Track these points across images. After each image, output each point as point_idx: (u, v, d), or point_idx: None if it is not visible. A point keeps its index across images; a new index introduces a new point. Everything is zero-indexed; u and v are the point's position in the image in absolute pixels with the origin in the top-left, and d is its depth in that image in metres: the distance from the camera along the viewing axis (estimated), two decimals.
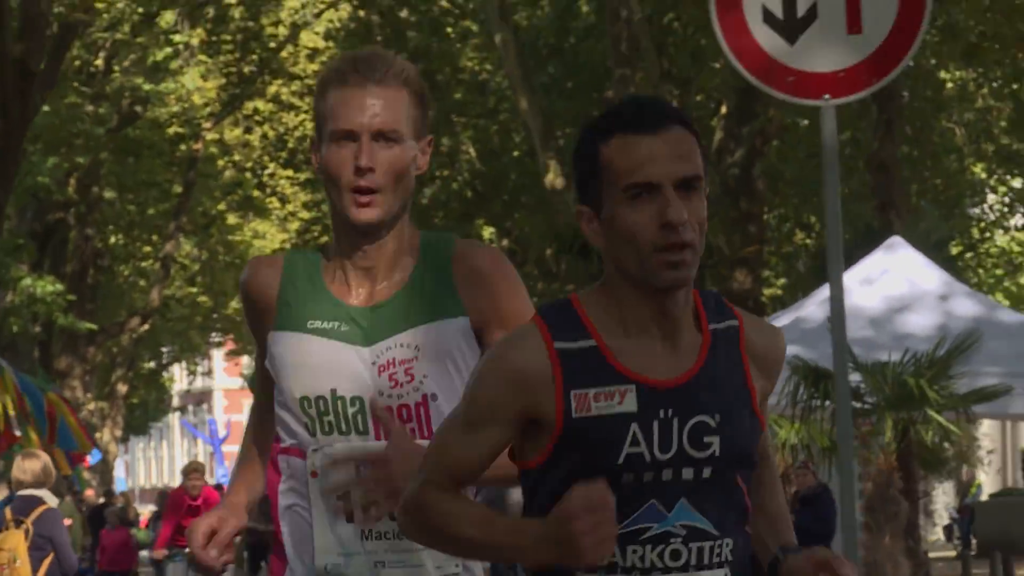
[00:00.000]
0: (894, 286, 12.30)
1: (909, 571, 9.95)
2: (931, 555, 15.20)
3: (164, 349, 29.70)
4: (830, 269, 5.40)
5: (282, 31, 19.58)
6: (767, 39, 5.17)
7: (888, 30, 5.17)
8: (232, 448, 23.70)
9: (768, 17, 5.15)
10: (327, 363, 1.71)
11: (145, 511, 26.48)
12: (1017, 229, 24.32)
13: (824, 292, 10.86)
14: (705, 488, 1.34)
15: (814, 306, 12.26)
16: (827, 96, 5.19)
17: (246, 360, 35.31)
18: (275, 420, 1.80)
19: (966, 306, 12.41)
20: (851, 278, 10.40)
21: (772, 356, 1.43)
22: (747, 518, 1.38)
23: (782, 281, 22.62)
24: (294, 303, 1.74)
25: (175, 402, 42.98)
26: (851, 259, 11.19)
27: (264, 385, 1.84)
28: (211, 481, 17.82)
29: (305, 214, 20.17)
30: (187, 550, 8.85)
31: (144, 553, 16.98)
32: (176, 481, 25.30)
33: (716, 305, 1.41)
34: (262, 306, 1.76)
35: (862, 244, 14.05)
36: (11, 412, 11.80)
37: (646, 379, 1.33)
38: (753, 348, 1.39)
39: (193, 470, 13.42)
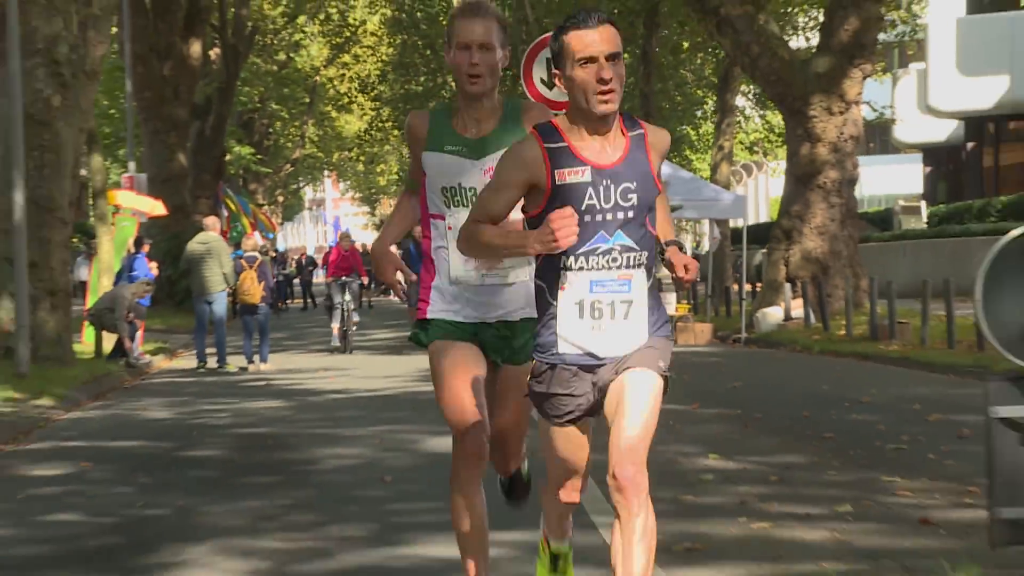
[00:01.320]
0: None
1: None
2: None
3: (300, 179, 53.33)
4: None
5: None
6: None
7: None
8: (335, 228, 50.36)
9: None
10: (456, 169, 3.06)
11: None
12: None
13: None
14: (630, 223, 2.54)
15: None
16: None
17: (341, 185, 62.10)
18: (423, 201, 3.18)
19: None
20: None
21: (662, 146, 2.69)
22: (653, 240, 2.62)
23: None
24: (436, 136, 3.11)
25: (306, 206, 70.61)
26: None
27: (413, 181, 3.31)
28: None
29: (368, 114, 38.62)
30: (344, 277, 16.12)
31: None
32: (309, 246, 53.16)
33: (630, 120, 2.64)
34: (418, 137, 3.16)
35: None
36: (234, 209, 25.48)
37: (595, 163, 2.51)
38: (652, 143, 2.62)
39: (344, 236, 19.49)
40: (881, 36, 20.58)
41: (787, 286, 16.79)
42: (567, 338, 2.75)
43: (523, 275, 3.15)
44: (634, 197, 2.68)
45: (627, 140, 2.71)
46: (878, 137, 42.75)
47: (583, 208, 2.65)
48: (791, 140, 17.45)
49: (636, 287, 2.71)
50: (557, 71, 2.67)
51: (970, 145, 28.79)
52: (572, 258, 2.69)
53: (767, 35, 17.15)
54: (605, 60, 2.58)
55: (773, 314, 16.75)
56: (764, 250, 21.54)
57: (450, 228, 3.14)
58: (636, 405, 2.70)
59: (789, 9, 25.61)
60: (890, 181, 39.24)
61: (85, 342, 14.60)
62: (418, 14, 31.75)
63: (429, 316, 3.25)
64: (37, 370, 10.96)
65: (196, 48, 24.25)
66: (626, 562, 2.68)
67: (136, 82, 21.72)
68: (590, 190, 2.63)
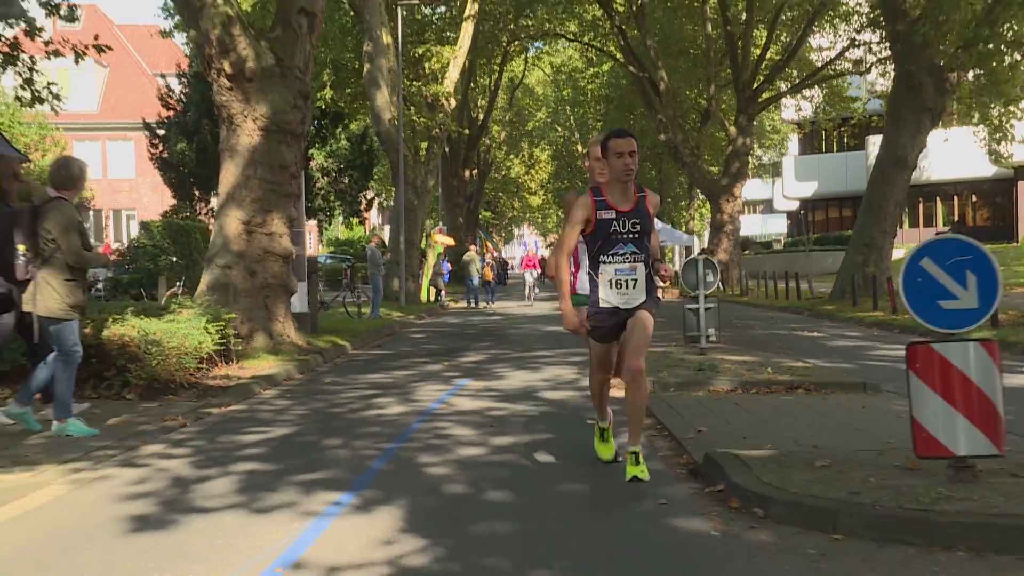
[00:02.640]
0: None
1: None
2: None
3: (512, 225, 76.87)
4: None
5: None
6: None
7: None
8: (525, 246, 74.05)
9: None
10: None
11: None
12: None
13: None
14: (636, 240, 5.73)
15: None
16: None
17: (530, 227, 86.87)
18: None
19: None
20: None
21: (654, 203, 5.81)
22: (649, 250, 5.81)
23: None
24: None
25: (515, 236, 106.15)
26: None
27: (574, 235, 5.82)
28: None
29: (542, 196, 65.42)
30: (529, 270, 36.30)
31: None
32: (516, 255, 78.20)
33: (639, 188, 5.78)
34: (587, 207, 5.69)
35: None
36: (483, 240, 53.97)
37: (618, 208, 5.72)
38: (649, 201, 5.82)
39: (530, 250, 44.16)
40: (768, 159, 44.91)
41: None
42: (605, 299, 5.74)
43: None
44: (638, 227, 5.68)
45: (636, 198, 5.72)
46: (767, 205, 68.47)
47: (611, 230, 5.69)
48: (713, 212, 40.50)
49: (639, 273, 5.70)
50: (605, 159, 5.74)
51: (802, 211, 53.34)
52: (606, 256, 5.72)
53: (702, 171, 40.20)
54: (628, 155, 5.62)
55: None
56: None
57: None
58: (640, 329, 5.66)
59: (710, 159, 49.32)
60: (771, 226, 66.74)
61: (423, 296, 36.37)
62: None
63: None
64: (408, 307, 27.51)
65: (467, 172, 46.87)
66: (635, 406, 5.78)
67: (444, 188, 43.82)
68: (615, 223, 5.66)
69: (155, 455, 6.93)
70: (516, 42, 41.83)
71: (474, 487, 5.80)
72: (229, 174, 13.11)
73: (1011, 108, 28.86)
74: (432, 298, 33.56)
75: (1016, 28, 23.54)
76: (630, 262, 5.67)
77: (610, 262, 5.68)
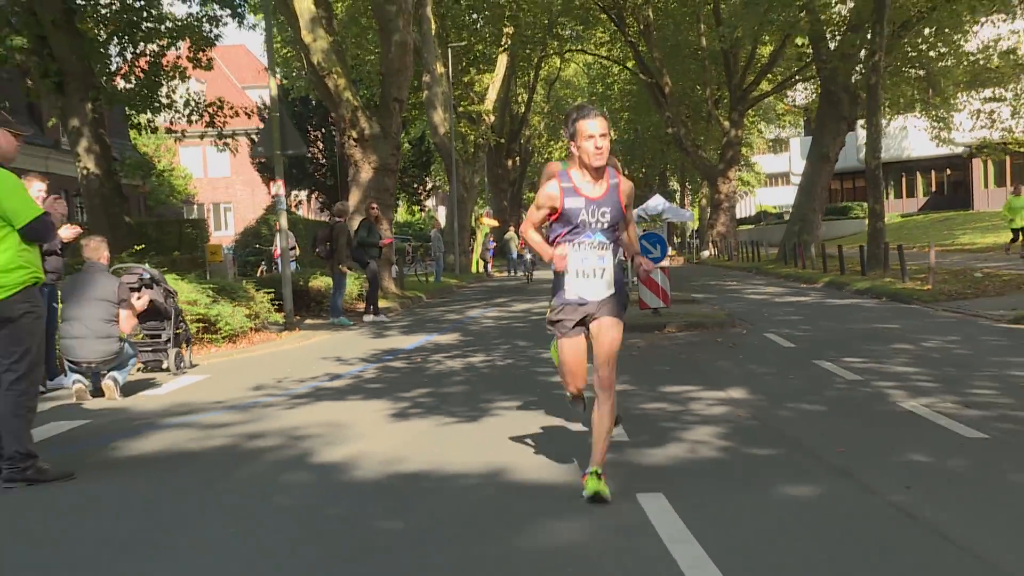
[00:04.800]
0: None
1: None
2: None
3: None
4: None
5: None
6: None
7: None
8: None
9: None
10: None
11: None
12: None
13: None
14: (605, 229, 5.28)
15: None
16: None
17: None
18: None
19: None
20: None
21: (628, 190, 5.33)
22: (619, 239, 5.44)
23: None
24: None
25: None
26: None
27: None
28: None
29: None
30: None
31: None
32: None
33: (612, 172, 5.32)
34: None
35: None
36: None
37: (587, 196, 5.25)
38: (623, 189, 5.35)
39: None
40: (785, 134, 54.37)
41: (711, 244, 49.52)
42: (570, 290, 5.40)
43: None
44: (607, 215, 5.30)
45: (608, 185, 5.32)
46: (785, 178, 77.53)
47: (578, 221, 5.29)
48: (711, 193, 49.99)
49: (607, 262, 5.34)
50: (571, 141, 5.23)
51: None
52: (573, 244, 5.33)
53: (702, 159, 49.70)
54: (600, 137, 5.14)
55: (706, 253, 49.41)
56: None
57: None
58: (606, 336, 5.32)
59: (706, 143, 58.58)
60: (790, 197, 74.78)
61: (473, 268, 46.42)
62: None
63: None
64: (461, 276, 41.82)
65: (510, 161, 56.98)
66: (601, 424, 5.28)
67: (489, 177, 53.90)
68: (583, 210, 5.28)
69: (364, 329, 17.14)
70: (546, 55, 51.59)
71: (498, 327, 15.90)
72: (355, 196, 23.32)
73: (949, 101, 37.69)
74: (481, 269, 43.63)
75: (919, 48, 32.90)
76: (598, 250, 5.37)
77: (577, 251, 5.36)
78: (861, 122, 44.22)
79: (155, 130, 26.91)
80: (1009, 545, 4.42)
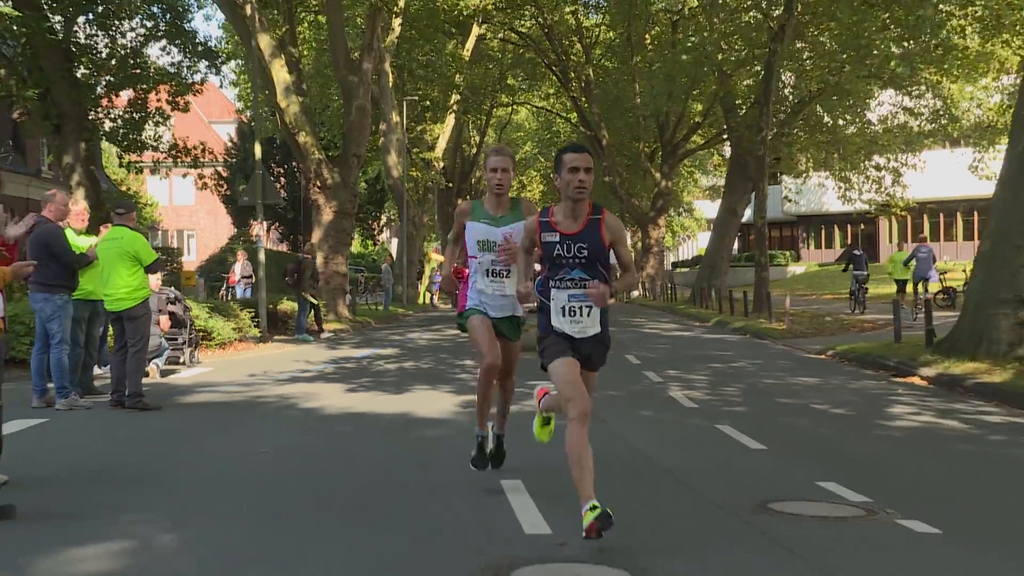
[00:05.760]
0: None
1: None
2: None
3: None
4: None
5: None
6: None
7: None
8: None
9: None
10: (485, 231, 6.52)
11: None
12: None
13: None
14: (584, 265, 5.57)
15: None
16: None
17: None
18: (464, 247, 6.69)
19: None
20: None
21: (614, 225, 5.60)
22: (604, 275, 5.59)
23: None
24: (476, 214, 6.56)
25: None
26: None
27: (457, 237, 6.72)
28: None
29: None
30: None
31: None
32: None
33: (595, 208, 5.63)
34: (465, 212, 6.63)
35: None
36: None
37: (562, 231, 5.59)
38: (607, 224, 5.60)
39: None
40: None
41: (640, 285, 54.63)
42: (557, 326, 5.67)
43: (513, 290, 6.40)
44: (584, 251, 5.53)
45: (587, 220, 5.55)
46: None
47: (554, 255, 5.57)
48: (643, 237, 55.20)
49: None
50: (556, 175, 5.64)
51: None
52: (554, 281, 5.62)
53: (634, 206, 54.88)
54: (584, 172, 5.49)
55: (635, 294, 54.55)
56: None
57: (479, 263, 6.50)
58: (591, 384, 5.85)
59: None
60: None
61: (420, 300, 51.01)
62: None
63: (468, 306, 6.60)
64: (408, 306, 47.09)
65: (459, 200, 61.67)
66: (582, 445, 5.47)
67: (440, 215, 58.80)
68: (558, 246, 5.55)
69: (320, 344, 21.78)
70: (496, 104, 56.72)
71: (429, 345, 20.63)
72: (317, 234, 28.04)
73: (851, 165, 43.25)
74: (427, 301, 48.31)
75: (822, 117, 38.37)
76: (579, 287, 5.61)
77: (560, 287, 5.65)
78: (786, 177, 50.30)
79: (140, 171, 31.25)
80: (681, 459, 9.27)
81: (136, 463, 8.00)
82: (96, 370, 12.39)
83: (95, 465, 7.84)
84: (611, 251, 5.69)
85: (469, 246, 6.65)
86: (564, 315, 5.63)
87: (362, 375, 15.08)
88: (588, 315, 5.62)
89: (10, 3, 24.22)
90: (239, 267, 30.49)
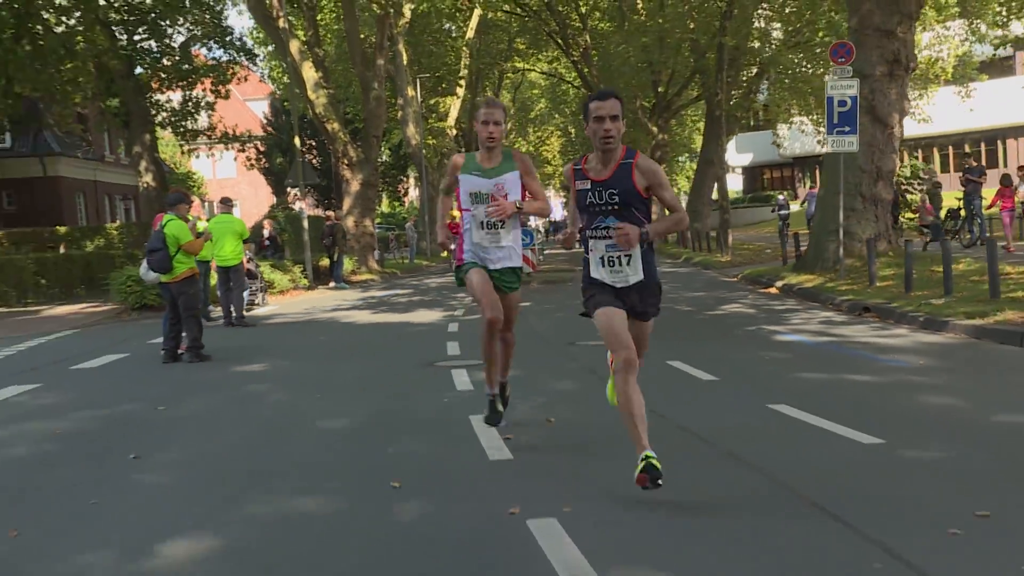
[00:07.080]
0: None
1: None
2: None
3: None
4: None
5: None
6: None
7: None
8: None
9: None
10: (477, 183, 6.55)
11: None
12: None
13: None
14: (617, 212, 5.39)
15: None
16: None
17: None
18: (458, 200, 6.68)
19: None
20: None
21: (647, 168, 5.36)
22: (641, 222, 5.36)
23: None
24: (468, 166, 6.58)
25: None
26: None
27: (449, 190, 6.88)
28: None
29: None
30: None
31: None
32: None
33: (628, 152, 5.40)
34: (457, 165, 6.65)
35: None
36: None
37: (593, 178, 5.47)
38: (639, 167, 5.37)
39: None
40: None
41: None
42: (598, 277, 5.54)
43: (509, 241, 6.41)
44: (616, 198, 5.38)
45: (617, 165, 5.38)
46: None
47: (587, 202, 5.48)
48: None
49: (633, 248, 5.37)
50: (584, 121, 5.43)
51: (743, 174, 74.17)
52: (591, 230, 5.49)
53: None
54: (609, 120, 5.27)
55: None
56: None
57: (473, 216, 6.42)
58: (642, 336, 5.71)
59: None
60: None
61: (443, 254, 57.80)
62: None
63: (465, 260, 6.59)
64: (430, 259, 53.72)
65: None
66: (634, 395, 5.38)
67: None
68: (590, 193, 5.44)
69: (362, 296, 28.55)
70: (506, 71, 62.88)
71: (438, 287, 27.29)
72: (347, 203, 34.71)
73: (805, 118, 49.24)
74: (448, 253, 55.11)
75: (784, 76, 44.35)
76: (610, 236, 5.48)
77: (597, 237, 5.55)
78: (782, 123, 56.18)
79: (197, 155, 38.03)
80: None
81: (261, 344, 14.82)
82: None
83: (254, 342, 14.60)
84: (650, 196, 5.53)
85: (462, 199, 6.64)
86: (604, 265, 5.55)
87: (382, 305, 21.76)
88: (628, 263, 5.50)
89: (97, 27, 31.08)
90: (266, 232, 37.14)
